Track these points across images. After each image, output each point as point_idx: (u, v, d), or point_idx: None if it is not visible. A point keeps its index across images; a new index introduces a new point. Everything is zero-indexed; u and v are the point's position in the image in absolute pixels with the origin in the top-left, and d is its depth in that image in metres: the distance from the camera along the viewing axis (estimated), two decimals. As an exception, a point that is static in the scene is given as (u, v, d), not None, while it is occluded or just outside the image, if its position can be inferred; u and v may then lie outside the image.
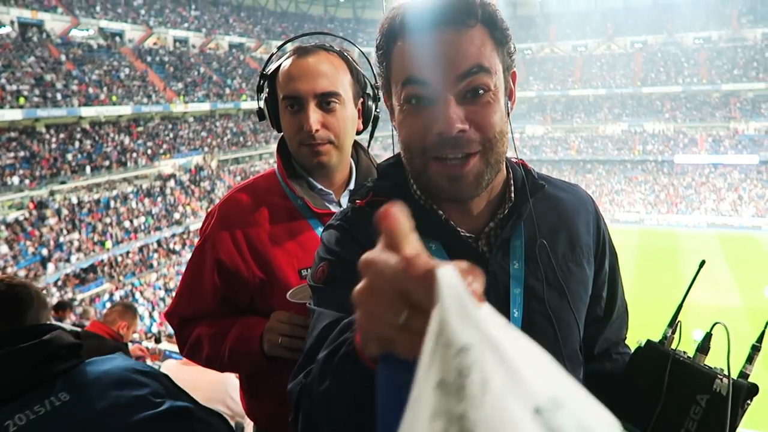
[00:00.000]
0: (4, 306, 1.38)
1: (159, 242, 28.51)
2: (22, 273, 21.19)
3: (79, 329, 6.39)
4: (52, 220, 24.69)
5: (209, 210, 1.72)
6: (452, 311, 0.43)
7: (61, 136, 29.09)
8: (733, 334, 1.05)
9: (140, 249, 27.38)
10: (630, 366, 1.19)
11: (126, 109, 32.08)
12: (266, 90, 1.67)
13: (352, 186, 1.69)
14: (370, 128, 1.74)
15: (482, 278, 0.48)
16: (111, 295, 23.78)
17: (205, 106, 37.79)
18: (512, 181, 1.10)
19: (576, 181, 1.23)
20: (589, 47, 56.58)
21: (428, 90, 0.95)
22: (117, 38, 38.10)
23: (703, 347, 1.12)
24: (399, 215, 0.48)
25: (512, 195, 1.09)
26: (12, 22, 31.18)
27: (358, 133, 1.71)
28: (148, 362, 6.30)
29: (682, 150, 45.38)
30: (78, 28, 35.30)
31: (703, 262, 1.19)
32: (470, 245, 1.05)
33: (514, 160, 1.14)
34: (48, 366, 1.24)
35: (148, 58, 37.96)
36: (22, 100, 26.74)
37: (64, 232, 24.67)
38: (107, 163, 29.29)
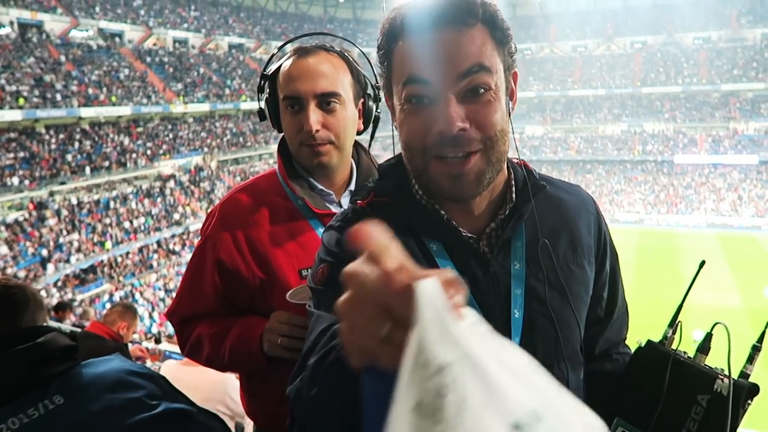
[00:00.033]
0: (0, 308, 1.37)
1: (159, 243, 28.50)
2: (21, 274, 21.19)
3: (78, 330, 6.38)
4: (51, 221, 24.68)
5: (210, 210, 1.72)
6: (431, 329, 0.43)
7: (61, 136, 29.09)
8: (733, 335, 1.05)
9: (140, 249, 27.37)
10: (631, 366, 1.19)
11: (125, 110, 32.08)
12: (267, 90, 1.67)
13: (352, 186, 1.69)
14: (370, 128, 1.74)
15: (464, 290, 0.47)
16: (111, 295, 23.77)
17: (205, 107, 37.79)
18: (513, 182, 1.10)
19: (576, 182, 1.23)
20: (588, 47, 56.60)
21: (429, 89, 0.95)
22: (116, 39, 38.10)
23: (704, 347, 1.12)
24: (370, 231, 0.48)
25: (513, 195, 1.09)
26: (11, 23, 31.18)
27: (359, 133, 1.70)
28: (148, 363, 6.29)
29: (682, 150, 45.39)
30: (77, 28, 35.30)
31: (703, 263, 1.19)
32: (471, 245, 1.05)
33: (516, 161, 1.14)
34: (42, 369, 1.23)
35: (148, 59, 37.95)
36: (21, 101, 26.73)
37: (64, 232, 24.67)
38: (107, 163, 29.28)
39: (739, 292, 24.33)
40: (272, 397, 1.63)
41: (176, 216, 30.15)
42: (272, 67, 1.65)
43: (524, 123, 49.40)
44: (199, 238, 1.70)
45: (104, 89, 31.76)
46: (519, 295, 1.05)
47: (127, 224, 27.41)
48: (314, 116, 1.53)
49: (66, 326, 7.62)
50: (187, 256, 27.98)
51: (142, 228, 28.00)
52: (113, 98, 31.67)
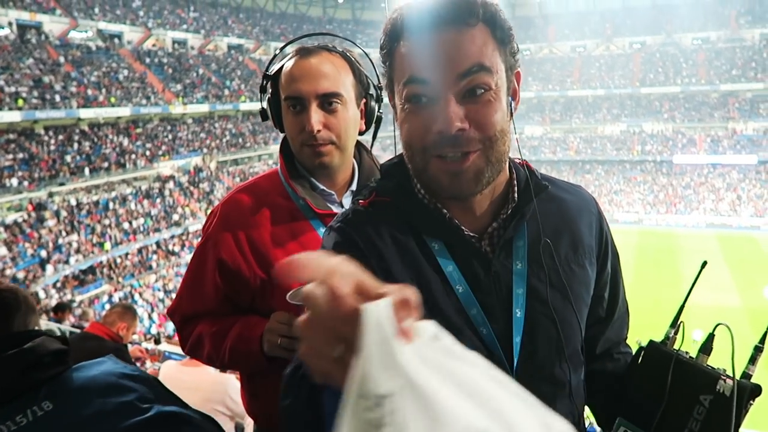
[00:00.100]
0: None
1: (158, 243, 28.49)
2: (21, 275, 21.19)
3: (78, 330, 6.37)
4: (50, 222, 24.67)
5: (211, 209, 1.72)
6: (374, 356, 0.42)
7: (60, 137, 29.08)
8: (733, 335, 1.06)
9: (139, 250, 27.36)
10: (632, 366, 1.19)
11: (125, 111, 32.08)
12: (269, 90, 1.67)
13: (354, 186, 1.69)
14: (372, 129, 1.74)
15: (417, 311, 0.47)
16: (110, 296, 23.76)
17: (204, 108, 37.80)
18: (516, 182, 1.10)
19: (575, 182, 1.23)
20: (587, 48, 56.65)
21: (429, 89, 0.95)
22: (116, 40, 38.10)
23: (706, 348, 1.12)
24: (304, 260, 0.47)
25: (516, 195, 1.09)
26: (10, 24, 31.17)
27: (361, 133, 1.70)
28: (148, 363, 6.29)
29: (681, 150, 45.45)
30: (76, 29, 35.29)
31: (704, 263, 1.19)
32: (473, 245, 1.05)
33: (518, 161, 1.15)
34: (31, 374, 1.21)
35: (147, 60, 37.95)
36: (20, 102, 26.72)
37: (63, 233, 24.65)
38: (106, 164, 29.28)
39: (738, 292, 24.36)
40: (272, 397, 1.62)
41: (175, 217, 30.14)
42: (274, 67, 1.65)
43: (523, 123, 49.46)
44: (200, 237, 1.70)
45: (103, 90, 31.76)
46: (521, 295, 1.05)
47: (126, 225, 27.41)
48: (316, 117, 1.53)
49: (65, 327, 7.62)
50: (186, 257, 27.98)
51: (142, 229, 27.99)
52: (112, 99, 31.67)
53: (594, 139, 49.36)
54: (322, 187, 1.64)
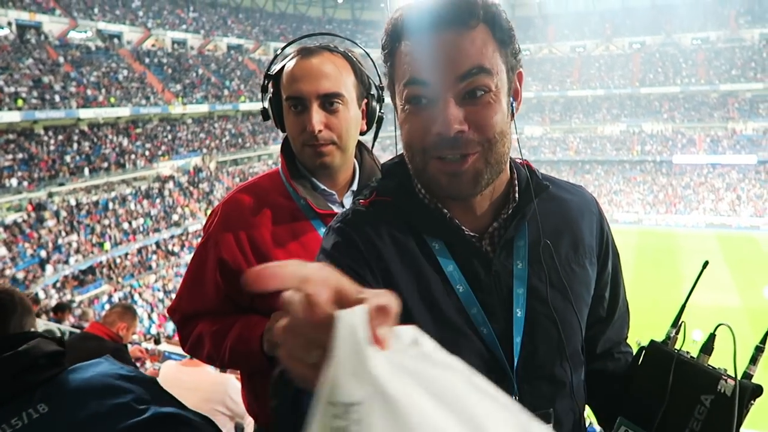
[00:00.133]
0: None
1: (158, 244, 28.50)
2: (20, 275, 21.19)
3: (78, 330, 6.37)
4: (50, 222, 24.67)
5: (213, 209, 1.72)
6: (344, 365, 0.42)
7: (60, 137, 29.08)
8: (734, 335, 1.06)
9: (139, 251, 27.36)
10: (634, 366, 1.20)
11: (124, 111, 32.08)
12: (271, 90, 1.67)
13: (355, 187, 1.70)
14: (374, 129, 1.74)
15: (393, 320, 0.48)
16: (110, 296, 23.76)
17: (204, 108, 37.80)
18: (516, 182, 1.10)
19: (575, 182, 1.24)
20: (587, 48, 56.69)
21: (428, 91, 0.95)
22: (115, 40, 38.10)
23: (707, 348, 1.12)
24: (274, 269, 0.47)
25: (516, 195, 1.09)
26: (10, 24, 31.17)
27: (363, 133, 1.70)
28: (148, 364, 6.28)
29: (681, 150, 45.48)
30: (76, 29, 35.29)
31: (706, 263, 1.20)
32: (474, 244, 1.05)
33: (519, 161, 1.15)
34: (26, 377, 1.20)
35: (147, 60, 37.95)
36: (20, 102, 26.72)
37: (63, 233, 24.65)
38: (106, 164, 29.28)
39: (737, 292, 24.38)
40: (273, 396, 1.63)
41: (175, 217, 30.14)
42: (276, 67, 1.65)
43: (523, 123, 49.46)
44: (201, 237, 1.70)
45: (103, 90, 31.76)
46: (521, 295, 1.05)
47: (126, 225, 27.41)
48: (317, 117, 1.53)
49: (65, 327, 7.62)
50: (186, 257, 27.99)
51: (141, 229, 27.99)
52: (112, 99, 31.67)
53: (594, 139, 49.39)
54: (323, 187, 1.64)
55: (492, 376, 1.01)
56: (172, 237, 29.34)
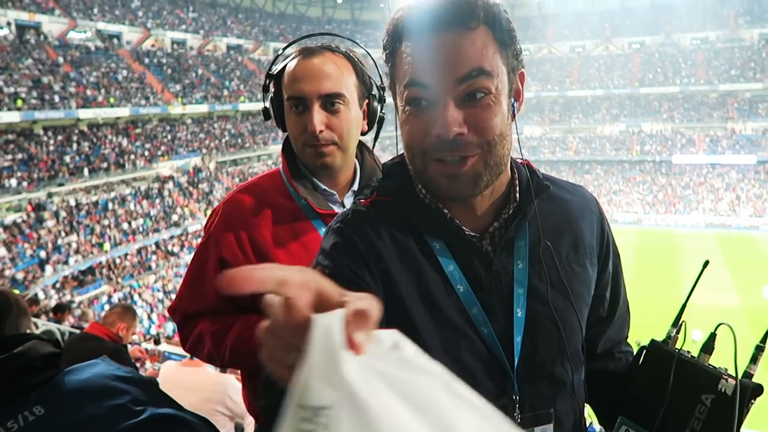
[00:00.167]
0: None
1: (157, 244, 28.49)
2: (20, 275, 21.19)
3: (78, 331, 6.37)
4: (50, 223, 24.65)
5: (213, 208, 1.72)
6: (316, 369, 0.42)
7: (59, 138, 29.07)
8: (735, 335, 1.06)
9: (138, 251, 27.35)
10: (634, 365, 1.20)
11: (124, 111, 32.07)
12: (272, 90, 1.67)
13: (356, 187, 1.70)
14: (375, 129, 1.74)
15: (372, 324, 0.48)
16: (109, 297, 23.76)
17: (203, 108, 37.79)
18: (517, 182, 1.10)
19: (574, 182, 1.24)
20: (586, 48, 56.71)
21: (428, 92, 0.95)
22: (115, 40, 38.08)
23: (708, 347, 1.12)
24: (249, 272, 0.47)
25: (517, 195, 1.09)
26: (9, 24, 31.15)
27: (364, 134, 1.70)
28: (148, 364, 6.28)
29: (680, 150, 45.50)
30: (75, 30, 35.28)
31: (707, 263, 1.20)
32: (474, 244, 1.05)
33: (520, 161, 1.15)
34: (21, 379, 1.19)
35: (146, 60, 37.94)
36: (19, 102, 26.71)
37: (62, 234, 24.64)
38: (105, 165, 29.27)
39: (737, 292, 24.39)
40: (273, 396, 1.63)
41: (175, 217, 30.14)
42: (277, 67, 1.65)
43: (522, 123, 49.47)
44: (201, 237, 1.70)
45: (102, 90, 31.75)
46: (521, 295, 1.05)
47: (125, 225, 27.40)
48: (318, 117, 1.53)
49: (65, 328, 7.61)
50: (185, 257, 27.99)
51: (141, 229, 27.98)
52: (111, 99, 31.66)
53: (593, 140, 49.40)
54: (323, 187, 1.64)
55: (492, 376, 1.01)
56: (171, 237, 29.33)
